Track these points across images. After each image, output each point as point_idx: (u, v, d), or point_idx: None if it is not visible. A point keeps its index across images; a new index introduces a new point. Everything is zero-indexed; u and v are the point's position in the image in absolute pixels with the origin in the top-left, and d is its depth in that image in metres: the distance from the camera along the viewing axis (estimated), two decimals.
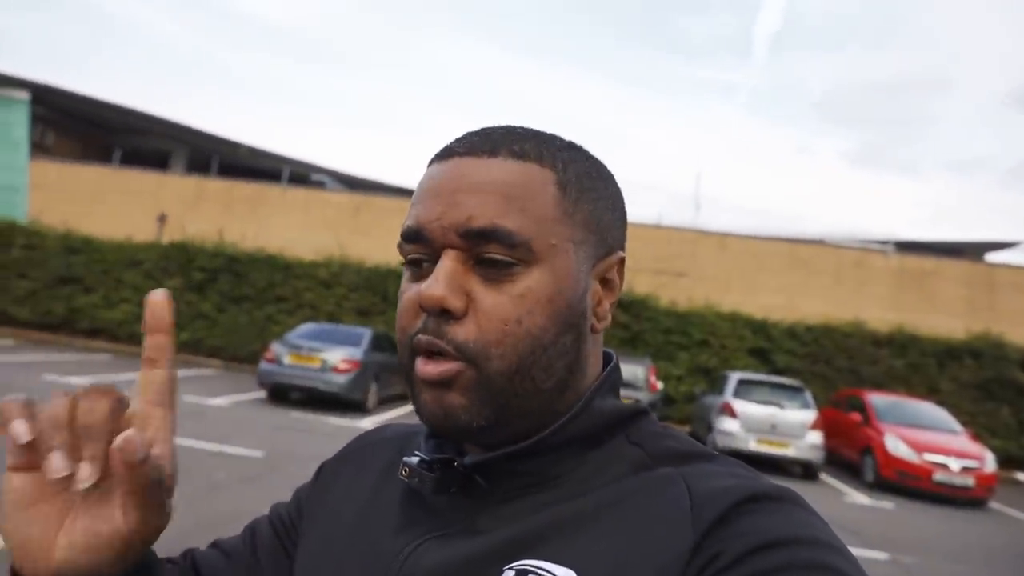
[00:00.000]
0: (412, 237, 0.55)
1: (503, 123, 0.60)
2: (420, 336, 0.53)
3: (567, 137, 0.62)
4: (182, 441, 6.83)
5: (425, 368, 0.53)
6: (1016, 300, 15.86)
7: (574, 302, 0.55)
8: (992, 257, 21.01)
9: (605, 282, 0.59)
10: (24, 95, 18.16)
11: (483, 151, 0.55)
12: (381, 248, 16.20)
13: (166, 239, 15.64)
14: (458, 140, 0.58)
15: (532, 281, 0.53)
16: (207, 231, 15.54)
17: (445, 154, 0.57)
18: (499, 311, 0.52)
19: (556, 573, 0.49)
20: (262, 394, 10.64)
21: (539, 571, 0.50)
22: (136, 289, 14.57)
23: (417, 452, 0.60)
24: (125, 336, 14.51)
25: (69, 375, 9.99)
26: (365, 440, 0.73)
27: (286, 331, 12.70)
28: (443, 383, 0.53)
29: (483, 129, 0.59)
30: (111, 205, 18.73)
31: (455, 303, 0.52)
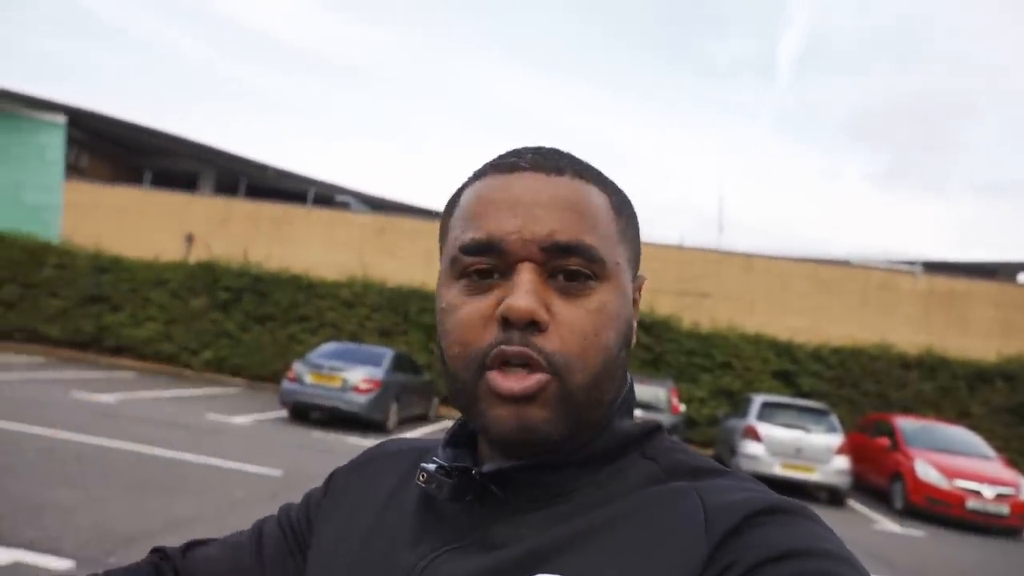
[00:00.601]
0: (483, 249, 0.55)
1: (534, 144, 0.61)
2: (505, 347, 0.53)
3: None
4: (202, 459, 6.89)
5: (506, 383, 0.52)
6: None
7: (629, 319, 0.58)
8: None
9: (634, 302, 0.61)
10: (61, 119, 18.72)
11: (549, 169, 0.57)
12: (404, 269, 16.32)
13: (193, 259, 15.92)
14: (517, 154, 0.59)
15: (604, 296, 0.55)
16: (233, 251, 15.78)
17: (508, 167, 0.58)
18: (580, 324, 0.54)
19: None
20: (283, 413, 10.70)
21: None
22: (162, 308, 14.82)
23: (435, 459, 0.61)
24: (151, 354, 14.74)
25: (97, 392, 10.15)
26: (378, 451, 0.73)
27: (308, 350, 12.80)
28: (528, 397, 0.52)
29: (539, 147, 0.60)
30: (140, 225, 19.13)
31: (543, 315, 0.53)
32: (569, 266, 0.54)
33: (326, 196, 26.07)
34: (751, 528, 0.48)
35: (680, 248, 17.70)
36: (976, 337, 15.33)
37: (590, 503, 0.54)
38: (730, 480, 0.55)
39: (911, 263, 19.20)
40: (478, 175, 0.59)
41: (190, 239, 18.84)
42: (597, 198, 0.57)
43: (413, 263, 16.73)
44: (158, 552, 0.74)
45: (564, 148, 0.61)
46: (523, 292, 0.53)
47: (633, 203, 0.63)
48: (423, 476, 0.59)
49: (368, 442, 9.43)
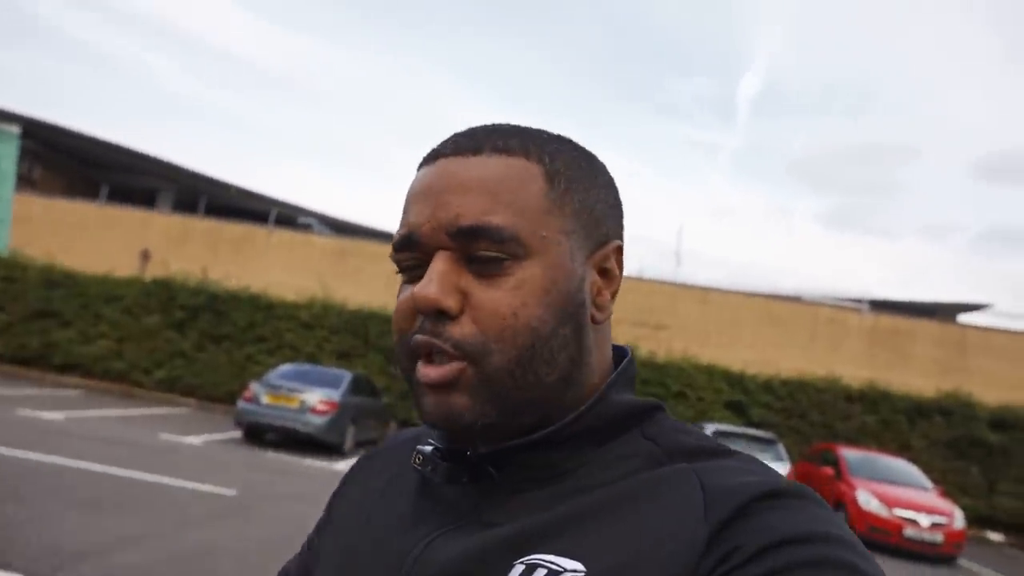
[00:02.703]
0: (404, 245, 0.56)
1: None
2: (418, 336, 0.53)
3: (554, 130, 0.61)
4: (155, 478, 6.79)
5: (427, 372, 0.53)
6: (986, 361, 16.23)
7: (570, 292, 0.54)
8: (964, 319, 21.52)
9: (603, 272, 0.58)
10: (14, 129, 18.29)
11: (468, 150, 0.55)
12: (365, 292, 16.30)
13: (148, 276, 15.62)
14: (444, 142, 0.58)
15: (525, 273, 0.52)
16: (191, 270, 15.56)
17: (431, 157, 0.57)
18: (494, 305, 0.52)
19: (565, 567, 0.48)
20: (237, 434, 10.55)
21: (548, 565, 0.49)
22: (115, 325, 14.47)
23: (431, 441, 0.60)
24: (100, 372, 14.34)
25: (43, 410, 9.87)
26: (393, 440, 0.72)
27: (266, 371, 12.65)
28: (445, 385, 0.52)
29: (469, 129, 0.58)
30: (95, 240, 18.72)
31: (449, 303, 0.52)
32: (478, 250, 0.52)
33: (288, 217, 25.89)
34: (755, 512, 0.47)
35: (639, 279, 18.11)
36: (917, 373, 15.99)
37: (587, 484, 0.53)
38: (734, 462, 0.53)
39: (858, 300, 19.97)
40: (416, 169, 0.59)
41: (146, 255, 18.49)
42: (520, 171, 0.54)
43: (374, 286, 16.73)
44: None
45: (502, 123, 0.59)
46: (426, 281, 0.52)
47: (594, 165, 0.59)
48: (418, 458, 0.59)
49: (324, 464, 9.38)
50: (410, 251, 0.55)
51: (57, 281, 14.76)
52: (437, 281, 0.52)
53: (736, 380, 14.05)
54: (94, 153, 24.18)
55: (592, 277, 0.57)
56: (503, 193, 0.53)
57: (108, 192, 24.72)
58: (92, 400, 12.23)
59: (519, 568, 0.49)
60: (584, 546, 0.49)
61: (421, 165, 0.58)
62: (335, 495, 0.72)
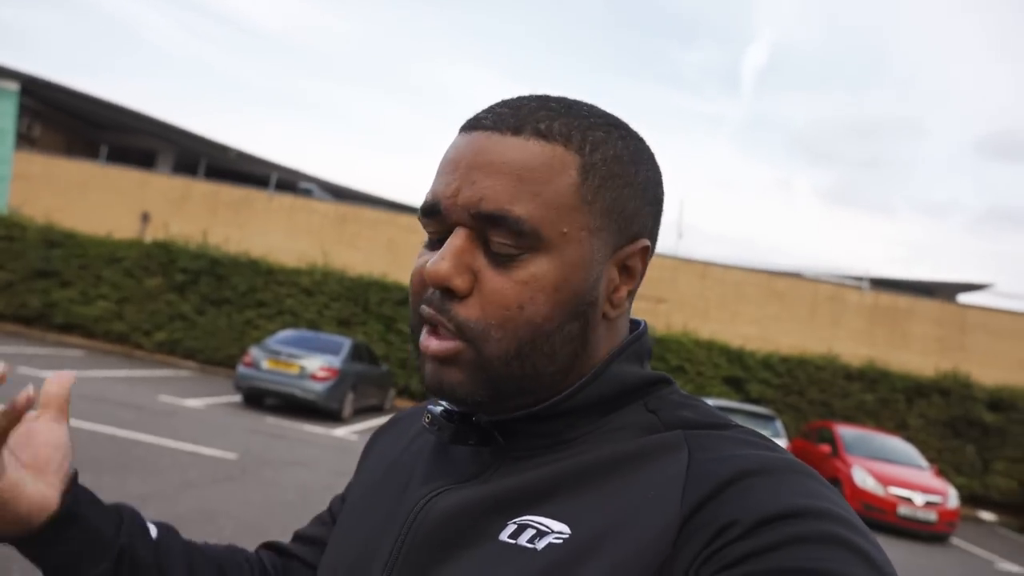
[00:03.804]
0: (428, 211, 0.56)
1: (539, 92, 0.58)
2: (424, 308, 0.55)
3: (608, 111, 0.59)
4: (156, 440, 6.81)
5: (428, 343, 0.54)
6: (985, 341, 16.25)
7: (582, 291, 0.54)
8: (964, 298, 21.50)
9: (624, 269, 0.58)
10: (13, 86, 18.02)
11: (507, 127, 0.54)
12: (365, 259, 16.23)
13: (149, 238, 15.54)
14: (488, 110, 0.57)
15: (538, 268, 0.52)
16: (191, 232, 15.47)
17: (471, 125, 0.56)
18: (501, 296, 0.52)
19: (552, 527, 0.50)
20: (237, 398, 10.58)
21: (536, 526, 0.51)
22: (115, 286, 14.44)
23: (442, 403, 0.61)
24: (100, 333, 14.36)
25: (44, 369, 9.88)
26: (417, 407, 0.73)
27: (265, 336, 12.65)
28: (443, 359, 0.54)
29: (517, 99, 0.57)
30: (94, 201, 18.58)
31: (458, 283, 0.52)
32: (495, 237, 0.52)
33: (288, 182, 25.68)
34: (742, 487, 0.46)
35: None
36: (916, 352, 16.02)
37: (584, 451, 0.54)
38: (732, 433, 0.53)
39: (858, 278, 19.93)
40: (456, 132, 0.58)
41: (146, 218, 18.37)
42: (554, 160, 0.53)
43: (374, 254, 16.65)
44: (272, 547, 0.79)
45: (558, 95, 0.57)
46: (440, 257, 0.53)
47: (637, 159, 0.57)
48: (428, 418, 0.61)
49: (323, 430, 9.41)
50: (432, 218, 0.56)
51: (57, 241, 14.70)
52: (450, 258, 0.52)
53: (735, 356, 14.07)
54: (94, 112, 23.89)
55: (611, 274, 0.56)
56: (532, 182, 0.52)
57: (108, 152, 24.50)
58: (94, 361, 12.24)
59: (511, 527, 0.52)
60: (573, 509, 0.51)
61: (460, 130, 0.57)
62: (363, 453, 0.74)
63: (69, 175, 19.22)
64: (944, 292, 22.10)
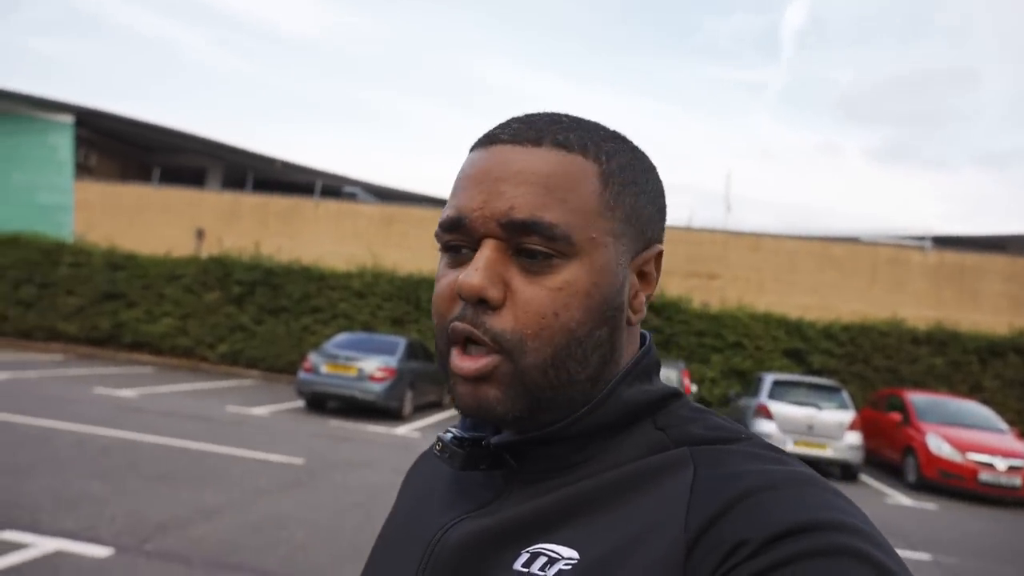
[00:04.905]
0: (452, 226, 0.55)
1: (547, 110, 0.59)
2: (457, 323, 0.54)
3: (611, 127, 0.61)
4: (227, 450, 7.05)
5: (461, 364, 0.54)
6: None
7: (611, 296, 0.55)
8: None
9: (642, 275, 0.59)
10: (68, 119, 18.82)
11: (527, 139, 0.55)
12: (413, 258, 16.42)
13: (204, 254, 16.06)
14: (502, 126, 0.57)
15: (570, 274, 0.53)
16: (244, 245, 15.92)
17: (488, 140, 0.57)
18: (536, 303, 0.52)
19: (562, 554, 0.50)
20: (301, 403, 10.87)
21: (548, 553, 0.51)
22: (177, 303, 14.99)
23: (452, 429, 0.62)
24: (167, 348, 14.94)
25: (118, 388, 10.34)
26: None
27: (322, 341, 12.94)
28: (480, 377, 0.53)
29: (527, 116, 0.58)
30: (151, 222, 19.28)
31: (493, 293, 0.52)
32: (528, 244, 0.53)
33: (333, 188, 26.15)
34: (751, 503, 0.46)
35: (688, 229, 17.72)
36: (987, 311, 15.30)
37: (593, 474, 0.54)
38: (741, 447, 0.52)
39: (920, 238, 19.13)
40: (470, 149, 0.59)
41: (200, 234, 18.98)
42: (577, 169, 0.54)
43: (422, 252, 16.82)
44: None
45: (564, 112, 0.59)
46: (473, 269, 0.52)
47: (646, 168, 0.60)
48: (439, 446, 0.61)
49: (385, 430, 9.59)
50: (458, 233, 0.55)
51: (120, 264, 15.34)
52: (484, 270, 0.52)
53: (794, 327, 13.72)
54: (144, 136, 24.76)
55: (632, 280, 0.58)
56: (559, 190, 0.53)
57: (160, 174, 25.38)
58: (163, 376, 12.75)
59: (524, 556, 0.52)
60: (581, 534, 0.51)
61: (475, 147, 0.58)
62: (402, 484, 0.75)
63: (126, 199, 20.00)
64: (1014, 246, 21.03)
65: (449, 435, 0.61)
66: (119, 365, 13.80)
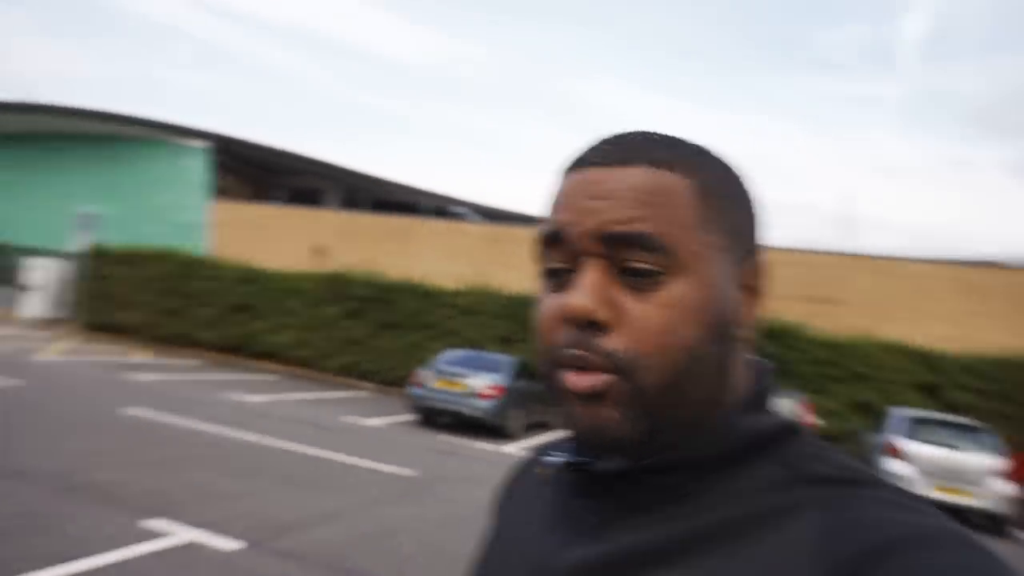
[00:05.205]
0: (551, 240, 0.54)
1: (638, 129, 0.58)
2: (566, 351, 0.52)
3: (699, 141, 0.60)
4: (342, 457, 7.32)
5: (576, 380, 0.51)
6: None
7: (721, 311, 0.53)
8: None
9: (749, 290, 0.56)
10: (200, 144, 20.52)
11: (616, 161, 0.54)
12: (520, 277, 16.57)
13: (324, 270, 16.94)
14: (591, 149, 0.56)
15: (679, 290, 0.51)
16: (359, 262, 16.64)
17: (578, 164, 0.56)
18: (649, 321, 0.50)
19: None
20: (412, 417, 11.16)
21: None
22: (299, 316, 15.85)
23: (555, 451, 0.60)
24: (290, 358, 15.80)
25: (248, 393, 11.02)
26: (534, 457, 0.73)
27: (432, 357, 13.26)
28: (595, 396, 0.51)
29: (616, 136, 0.57)
30: (275, 238, 20.58)
31: (603, 314, 0.51)
32: (632, 260, 0.51)
33: (441, 208, 26.97)
34: (892, 558, 0.41)
35: (805, 251, 16.88)
36: None
37: (706, 509, 0.51)
38: (876, 492, 0.48)
39: None
40: (561, 174, 0.58)
41: (320, 251, 20.05)
42: (672, 184, 0.53)
43: (527, 271, 16.94)
44: None
45: (652, 130, 0.58)
46: (578, 291, 0.51)
47: (740, 180, 0.58)
48: (543, 469, 0.60)
49: (493, 447, 9.66)
50: (557, 248, 0.54)
51: (250, 278, 16.44)
52: (591, 291, 0.51)
53: (926, 359, 12.69)
54: (270, 160, 26.57)
55: (739, 295, 0.55)
56: (655, 205, 0.52)
57: (284, 195, 27.12)
58: (286, 384, 13.48)
59: None
60: (696, 572, 0.48)
61: (566, 172, 0.57)
62: (496, 506, 0.73)
63: (254, 218, 21.48)
64: None
65: (555, 458, 0.59)
66: (249, 372, 14.72)
